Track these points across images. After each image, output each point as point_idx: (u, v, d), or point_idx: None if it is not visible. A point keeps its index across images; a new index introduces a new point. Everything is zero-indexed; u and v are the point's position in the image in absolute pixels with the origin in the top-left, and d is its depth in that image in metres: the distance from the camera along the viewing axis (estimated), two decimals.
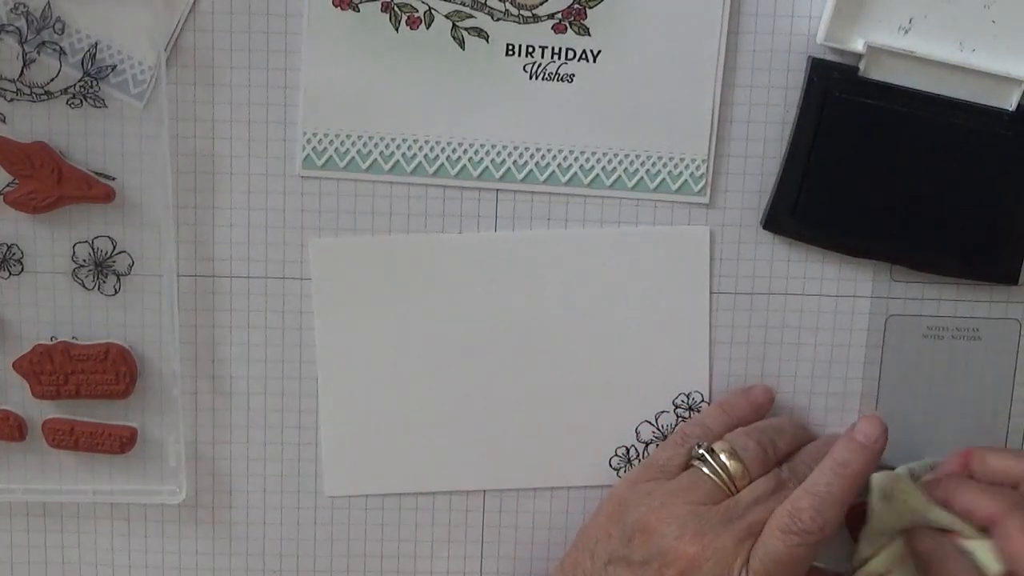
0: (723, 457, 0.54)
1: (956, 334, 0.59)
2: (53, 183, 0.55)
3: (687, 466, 0.55)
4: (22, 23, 0.54)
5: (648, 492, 0.54)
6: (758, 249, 0.58)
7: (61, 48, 0.54)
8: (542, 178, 0.57)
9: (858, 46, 0.54)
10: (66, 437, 0.58)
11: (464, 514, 0.60)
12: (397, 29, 0.55)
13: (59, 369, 0.57)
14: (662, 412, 0.59)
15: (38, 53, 0.55)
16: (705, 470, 0.54)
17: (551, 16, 0.55)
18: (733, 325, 0.58)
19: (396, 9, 0.55)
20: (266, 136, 0.56)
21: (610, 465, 0.59)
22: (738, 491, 0.53)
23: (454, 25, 0.55)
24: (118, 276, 0.57)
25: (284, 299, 0.58)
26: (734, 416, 0.57)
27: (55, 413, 0.58)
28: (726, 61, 0.56)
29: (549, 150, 0.56)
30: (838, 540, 0.55)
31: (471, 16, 0.55)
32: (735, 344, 0.59)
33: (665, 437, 0.59)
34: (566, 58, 0.55)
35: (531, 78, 0.55)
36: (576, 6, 0.55)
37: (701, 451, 0.54)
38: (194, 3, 0.55)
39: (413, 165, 0.56)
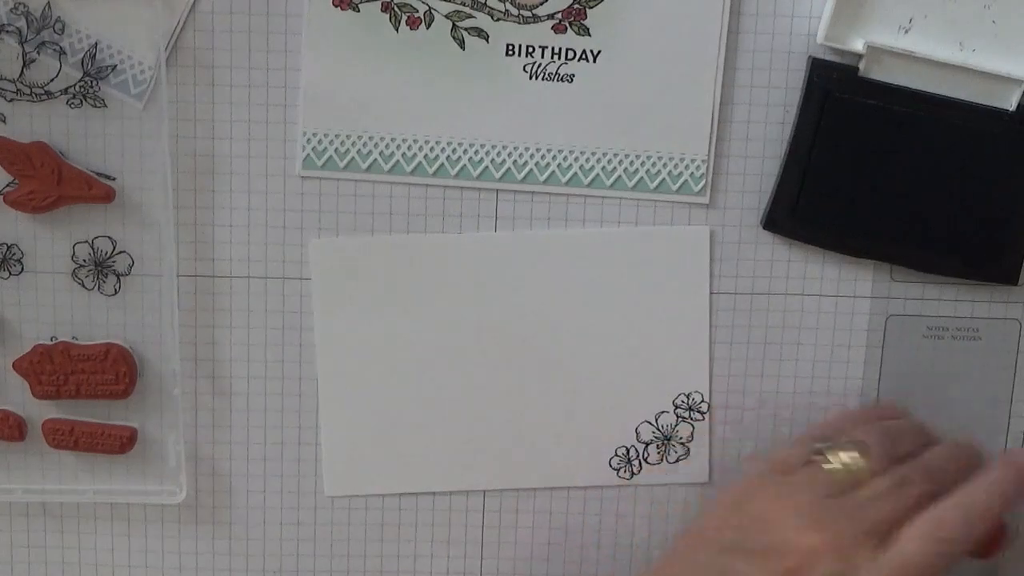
0: (843, 453, 0.52)
1: (956, 334, 0.59)
2: (53, 183, 0.55)
3: (809, 463, 0.54)
4: (22, 23, 0.54)
5: (767, 485, 0.53)
6: (758, 249, 0.58)
7: (61, 48, 0.54)
8: (542, 178, 0.57)
9: (858, 46, 0.54)
10: (66, 437, 0.58)
11: (464, 514, 0.60)
12: (397, 29, 0.55)
13: (59, 369, 0.57)
14: (662, 412, 0.59)
15: (38, 53, 0.55)
16: (825, 466, 0.52)
17: (551, 16, 0.55)
18: (733, 325, 0.58)
19: (396, 9, 0.55)
20: (266, 136, 0.56)
21: (610, 465, 0.59)
22: (860, 486, 0.52)
23: (454, 25, 0.55)
24: (118, 276, 0.57)
25: (284, 299, 0.58)
26: (859, 419, 0.57)
27: (55, 413, 0.58)
28: (726, 61, 0.56)
29: (549, 150, 0.56)
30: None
31: (471, 16, 0.55)
32: (735, 344, 0.59)
33: (666, 437, 0.59)
34: (566, 58, 0.55)
35: (531, 78, 0.55)
36: (576, 6, 0.55)
37: (820, 446, 0.53)
38: (194, 3, 0.55)
39: (413, 165, 0.56)
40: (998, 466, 0.52)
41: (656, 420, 0.59)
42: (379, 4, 0.55)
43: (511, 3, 0.55)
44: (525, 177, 0.57)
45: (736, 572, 0.50)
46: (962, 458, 0.55)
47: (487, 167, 0.56)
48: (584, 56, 0.55)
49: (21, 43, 0.54)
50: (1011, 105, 0.55)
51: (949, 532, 0.49)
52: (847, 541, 0.49)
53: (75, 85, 0.55)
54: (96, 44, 0.55)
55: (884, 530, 0.50)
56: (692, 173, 0.57)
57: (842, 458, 0.53)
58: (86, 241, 0.57)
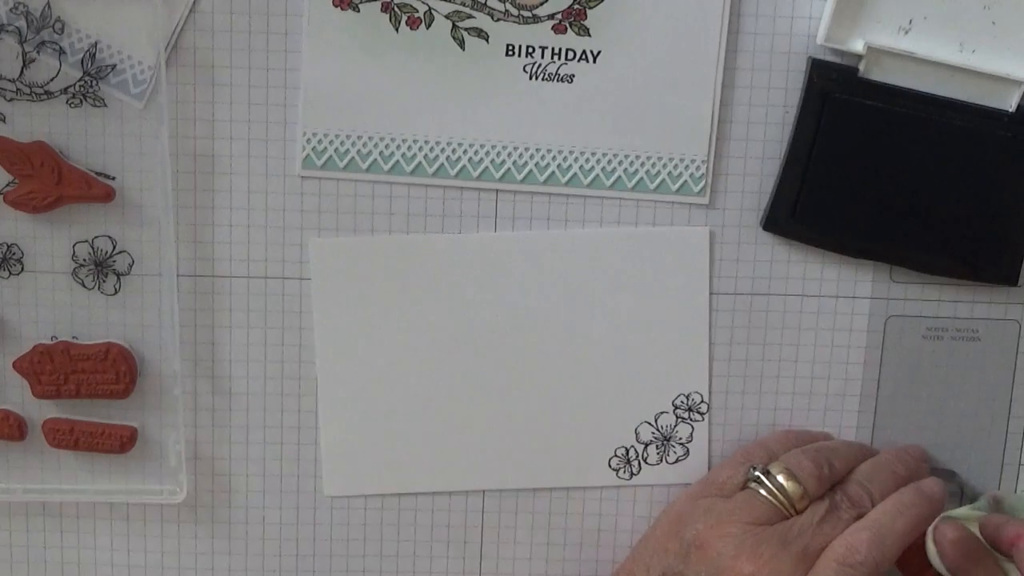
0: (780, 478, 0.53)
1: (956, 335, 0.59)
2: (53, 183, 0.55)
3: (746, 486, 0.55)
4: (22, 23, 0.54)
5: (706, 509, 0.54)
6: (758, 249, 0.58)
7: (61, 48, 0.54)
8: (542, 178, 0.57)
9: (858, 47, 0.54)
10: (66, 437, 0.58)
11: (464, 514, 0.60)
12: (397, 29, 0.55)
13: (59, 369, 0.57)
14: (662, 412, 0.59)
15: (38, 53, 0.55)
16: (762, 491, 0.54)
17: (551, 16, 0.55)
18: (733, 325, 0.58)
19: (396, 9, 0.55)
20: (266, 136, 0.56)
21: (609, 465, 0.59)
22: (797, 511, 0.53)
23: (454, 25, 0.55)
24: (118, 276, 0.57)
25: (284, 299, 0.58)
26: (797, 442, 0.57)
27: (55, 413, 0.58)
28: (726, 61, 0.56)
29: (549, 150, 0.56)
30: None
31: (471, 16, 0.55)
32: (735, 344, 0.59)
33: (665, 438, 0.59)
34: (566, 58, 0.55)
35: (531, 78, 0.55)
36: (576, 6, 0.55)
37: (757, 473, 0.54)
38: (194, 3, 0.55)
39: (413, 165, 0.56)
40: (908, 490, 0.54)
41: (655, 420, 0.59)
42: (379, 4, 0.55)
43: (511, 3, 0.55)
44: (525, 177, 0.57)
45: None
46: (900, 468, 0.56)
47: (487, 167, 0.56)
48: (584, 56, 0.55)
49: (21, 43, 0.54)
50: (1011, 106, 0.55)
51: (861, 556, 0.51)
52: (782, 570, 0.51)
53: (75, 85, 0.55)
54: (96, 44, 0.55)
55: (814, 557, 0.52)
56: (692, 174, 0.57)
57: (777, 484, 0.54)
58: (86, 241, 0.57)
